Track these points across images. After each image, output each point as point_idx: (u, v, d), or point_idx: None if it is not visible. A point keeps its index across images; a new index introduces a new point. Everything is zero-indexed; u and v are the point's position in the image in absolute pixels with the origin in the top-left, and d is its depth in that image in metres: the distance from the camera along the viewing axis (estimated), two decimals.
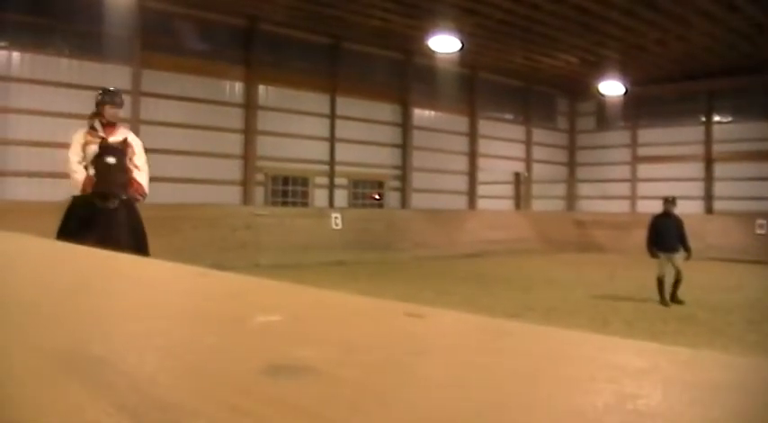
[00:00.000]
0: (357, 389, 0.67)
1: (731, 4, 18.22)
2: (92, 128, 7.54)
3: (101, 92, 7.74)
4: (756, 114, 26.67)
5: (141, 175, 7.58)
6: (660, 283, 12.71)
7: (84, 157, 7.35)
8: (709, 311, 11.81)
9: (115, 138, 7.48)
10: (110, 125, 7.60)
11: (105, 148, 7.27)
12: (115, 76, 17.89)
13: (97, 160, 7.22)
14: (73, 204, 7.38)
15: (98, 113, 7.59)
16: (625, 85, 25.86)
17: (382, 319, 1.05)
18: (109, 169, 7.20)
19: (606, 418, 0.55)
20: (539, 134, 29.80)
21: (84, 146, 7.40)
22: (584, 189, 31.02)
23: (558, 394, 0.63)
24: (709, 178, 27.57)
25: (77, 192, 7.31)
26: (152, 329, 0.96)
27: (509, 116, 29.06)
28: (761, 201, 25.95)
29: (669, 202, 13.51)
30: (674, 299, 12.63)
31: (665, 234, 12.96)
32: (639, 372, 0.70)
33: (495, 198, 28.83)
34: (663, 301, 12.53)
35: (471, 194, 27.11)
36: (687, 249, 12.94)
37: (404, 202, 24.84)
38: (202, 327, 1.01)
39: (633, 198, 29.29)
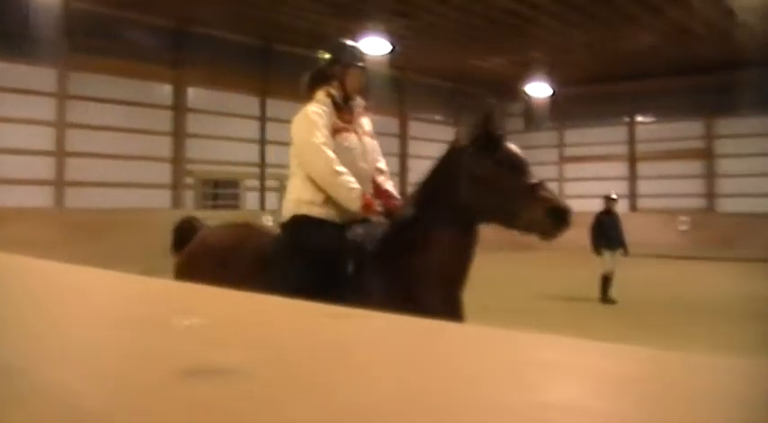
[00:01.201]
0: (277, 390, 0.67)
1: (655, 7, 18.69)
2: (335, 104, 4.66)
3: (336, 46, 5.01)
4: (678, 114, 27.49)
5: (388, 181, 5.14)
6: (606, 279, 12.87)
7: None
8: (635, 307, 12.12)
9: (359, 125, 4.83)
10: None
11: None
12: (41, 78, 17.51)
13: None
14: (304, 235, 4.45)
15: (338, 83, 4.76)
16: (552, 87, 26.31)
17: (305, 321, 1.06)
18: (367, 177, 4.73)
19: (519, 413, 0.57)
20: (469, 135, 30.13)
21: (334, 134, 4.53)
22: None
23: (482, 392, 0.64)
24: (633, 177, 28.27)
25: (326, 211, 4.42)
26: (70, 337, 0.94)
27: (439, 117, 29.32)
28: (683, 198, 26.72)
29: (611, 199, 13.77)
30: (606, 297, 12.82)
31: (610, 231, 13.14)
32: (558, 366, 0.72)
33: None
34: (605, 299, 12.72)
35: (403, 196, 27.22)
36: (625, 246, 13.21)
37: None
38: (121, 332, 0.99)
39: (560, 197, 29.78)
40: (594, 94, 28.94)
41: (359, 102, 4.91)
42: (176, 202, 20.45)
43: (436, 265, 4.14)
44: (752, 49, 21.48)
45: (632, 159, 28.31)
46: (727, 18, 19.10)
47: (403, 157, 27.16)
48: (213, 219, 19.62)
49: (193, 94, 21.08)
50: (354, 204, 4.30)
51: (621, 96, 28.49)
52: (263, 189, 22.68)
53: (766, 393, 0.65)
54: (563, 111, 29.77)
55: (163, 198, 20.33)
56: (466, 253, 4.29)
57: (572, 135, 29.87)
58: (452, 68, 26.13)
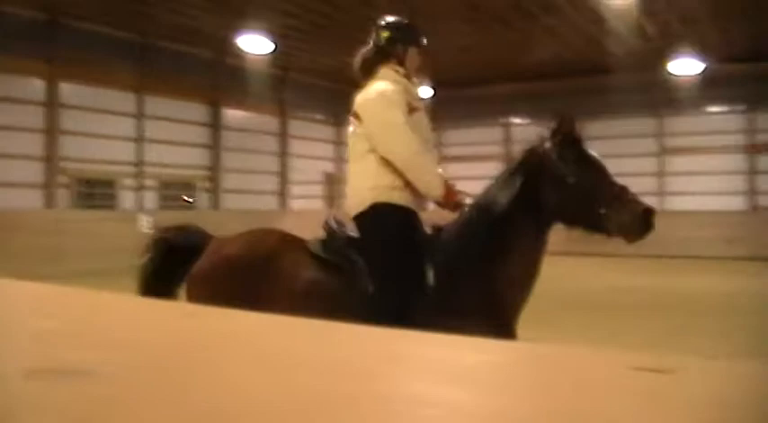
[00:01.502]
0: (131, 389, 0.67)
1: (530, 13, 19.33)
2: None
3: (395, 24, 4.80)
4: (549, 116, 28.36)
5: None
6: None
7: None
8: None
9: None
10: None
11: None
12: None
13: None
14: (392, 224, 4.04)
15: (398, 62, 4.57)
16: (431, 88, 26.77)
17: (164, 320, 1.06)
18: None
19: (369, 405, 0.63)
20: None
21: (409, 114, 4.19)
22: None
23: (336, 385, 0.69)
24: None
25: (405, 200, 4.07)
26: None
27: (320, 116, 29.36)
28: None
29: None
30: None
31: None
32: (408, 358, 0.80)
33: (307, 198, 29.07)
34: None
35: (283, 195, 27.14)
36: None
37: (215, 204, 24.52)
38: None
39: None
40: (472, 96, 29.65)
41: (416, 81, 4.73)
42: (49, 203, 19.73)
43: (518, 265, 4.03)
44: (620, 54, 22.56)
45: (508, 159, 29.13)
46: (597, 25, 19.94)
47: (283, 155, 27.06)
48: (88, 219, 19.08)
49: (67, 90, 20.33)
50: (436, 191, 4.09)
51: (498, 98, 29.31)
52: (140, 189, 22.12)
53: (605, 379, 0.75)
54: (441, 111, 30.34)
55: (34, 198, 19.56)
56: (541, 255, 4.18)
57: (450, 135, 30.49)
58: (333, 68, 26.16)
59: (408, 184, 4.01)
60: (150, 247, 4.80)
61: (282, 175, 27.11)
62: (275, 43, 20.54)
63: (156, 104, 22.24)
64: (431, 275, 3.86)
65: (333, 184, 29.97)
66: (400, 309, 3.65)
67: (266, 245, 4.38)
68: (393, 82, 4.31)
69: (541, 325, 10.00)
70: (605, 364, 0.75)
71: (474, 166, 29.53)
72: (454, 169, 29.94)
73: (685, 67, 22.64)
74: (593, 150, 4.21)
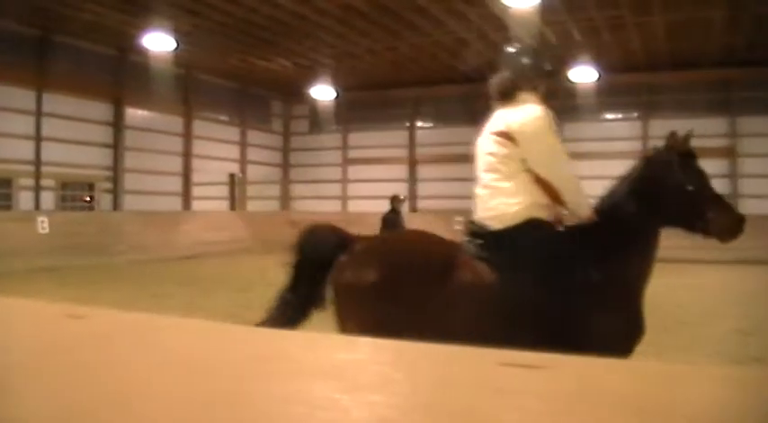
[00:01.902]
0: (4, 390, 0.68)
1: (436, 18, 19.61)
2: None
3: (526, 51, 4.88)
4: (454, 120, 28.95)
5: None
6: None
7: None
8: None
9: None
10: None
11: None
12: None
13: None
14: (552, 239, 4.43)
15: (533, 87, 4.73)
16: (337, 90, 26.82)
17: (43, 322, 1.09)
18: None
19: (255, 405, 0.66)
20: (254, 136, 30.04)
21: None
22: (297, 190, 31.75)
23: (217, 385, 0.72)
24: (413, 179, 29.43)
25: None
26: None
27: (224, 117, 29.04)
28: (460, 199, 28.17)
29: (399, 200, 14.00)
30: None
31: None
32: (303, 360, 0.85)
33: (211, 199, 28.73)
34: None
35: (186, 196, 26.74)
36: None
37: (116, 204, 23.97)
38: None
39: (344, 198, 30.50)
40: (377, 99, 29.83)
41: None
42: None
43: (643, 265, 4.42)
44: None
45: (412, 162, 29.48)
46: (500, 32, 20.36)
47: (187, 156, 26.63)
48: None
49: None
50: (585, 212, 4.51)
51: (403, 101, 29.58)
52: (37, 188, 21.41)
53: (474, 375, 0.81)
54: (347, 114, 30.46)
55: None
56: (655, 255, 4.55)
57: (355, 138, 30.61)
58: (239, 68, 25.97)
59: (554, 202, 4.42)
60: (295, 249, 4.95)
61: (186, 176, 26.70)
62: (180, 41, 20.16)
63: (56, 102, 21.58)
64: (580, 278, 4.16)
65: (237, 186, 29.72)
66: (561, 310, 4.01)
67: (434, 250, 4.44)
68: (540, 107, 4.50)
69: None
70: (474, 360, 0.85)
71: (378, 168, 29.80)
72: (358, 171, 30.15)
73: (583, 75, 23.31)
74: None
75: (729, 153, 25.16)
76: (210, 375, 0.76)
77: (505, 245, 4.22)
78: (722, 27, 20.13)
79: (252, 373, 0.78)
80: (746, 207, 24.63)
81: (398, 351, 0.86)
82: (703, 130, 25.31)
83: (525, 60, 4.72)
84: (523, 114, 4.47)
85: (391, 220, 13.38)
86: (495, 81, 4.85)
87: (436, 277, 4.15)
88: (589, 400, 0.76)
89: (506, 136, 4.47)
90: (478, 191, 4.58)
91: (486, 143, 4.68)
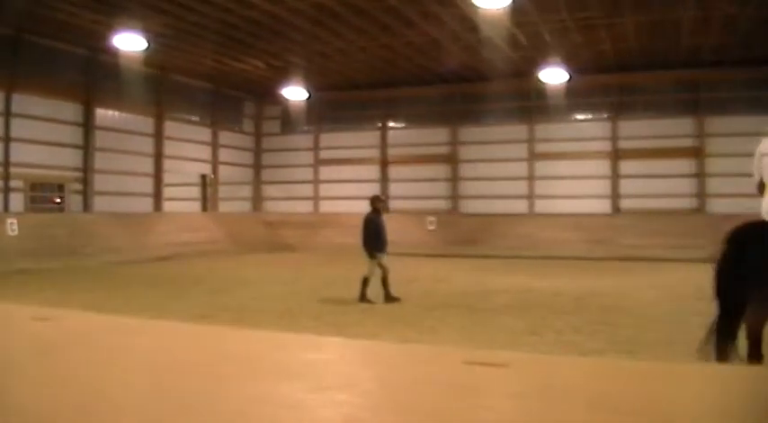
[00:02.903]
0: None
1: (409, 19, 19.65)
2: None
3: None
4: (427, 121, 29.10)
5: None
6: (366, 281, 12.79)
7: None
8: (387, 302, 12.74)
9: None
10: None
11: None
12: None
13: None
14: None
15: None
16: (309, 91, 26.80)
17: (8, 325, 1.11)
18: None
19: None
20: (225, 136, 29.94)
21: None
22: (269, 190, 31.69)
23: (184, 384, 0.73)
24: (385, 179, 29.48)
25: None
26: None
27: (196, 118, 28.89)
28: (431, 200, 28.33)
29: (382, 200, 13.88)
30: (390, 297, 12.73)
31: (381, 233, 13.03)
32: (261, 359, 0.86)
33: (183, 200, 28.63)
34: (365, 299, 12.68)
35: (157, 197, 26.58)
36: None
37: (87, 206, 23.74)
38: None
39: (316, 199, 30.50)
40: (349, 100, 29.88)
41: None
42: None
43: None
44: (494, 62, 23.24)
45: (384, 163, 29.53)
46: (472, 33, 20.47)
47: (158, 157, 26.46)
48: None
49: None
50: None
51: (375, 102, 29.65)
52: (6, 189, 21.08)
53: (439, 374, 0.83)
54: (319, 114, 30.46)
55: None
56: None
57: (327, 138, 30.62)
58: (212, 69, 25.87)
59: None
60: (726, 244, 5.16)
61: (157, 177, 26.52)
62: (152, 42, 20.00)
63: (26, 102, 21.32)
64: None
65: (209, 187, 29.61)
66: None
67: None
68: None
69: (413, 326, 10.29)
70: (440, 359, 0.88)
71: (350, 169, 29.86)
72: (330, 172, 30.19)
73: (554, 76, 23.49)
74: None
75: (697, 153, 25.46)
76: (180, 376, 0.78)
77: None
78: (691, 29, 20.38)
79: (223, 374, 0.81)
80: (713, 206, 25.02)
81: (366, 350, 0.90)
82: (672, 131, 25.76)
83: None
84: None
85: (374, 220, 13.14)
86: None
87: None
88: (551, 396, 0.79)
89: None
90: None
91: None
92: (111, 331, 0.86)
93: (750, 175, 6.11)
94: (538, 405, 0.67)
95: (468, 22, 19.09)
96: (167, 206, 26.86)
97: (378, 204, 13.48)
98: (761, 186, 5.91)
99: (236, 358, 0.76)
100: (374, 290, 12.82)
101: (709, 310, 11.59)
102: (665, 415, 0.74)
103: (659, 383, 0.81)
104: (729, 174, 24.85)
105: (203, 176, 29.40)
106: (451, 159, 28.60)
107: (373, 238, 12.98)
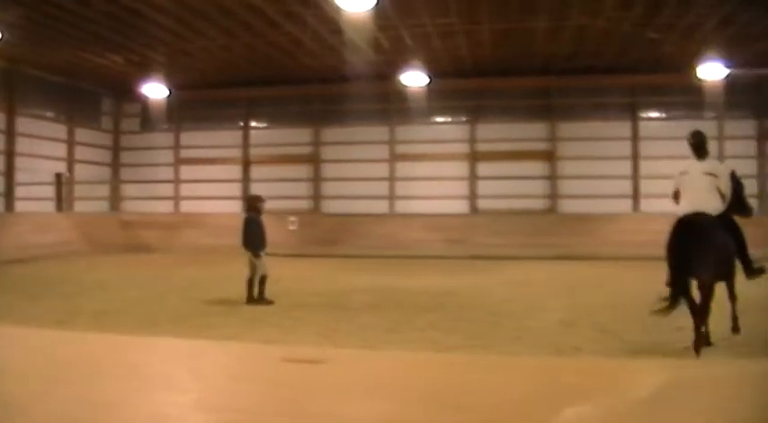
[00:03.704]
0: None
1: (272, 19, 19.62)
2: None
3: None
4: (289, 121, 29.15)
5: None
6: (252, 283, 12.85)
7: None
8: (250, 303, 12.78)
9: None
10: None
11: None
12: None
13: None
14: None
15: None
16: (170, 88, 26.25)
17: None
18: None
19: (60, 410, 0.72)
20: (82, 134, 28.93)
21: None
22: (128, 190, 30.86)
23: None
24: (247, 179, 29.30)
25: None
26: None
27: (51, 114, 27.81)
28: (293, 200, 28.37)
29: (262, 200, 13.84)
30: (263, 298, 12.84)
31: (261, 233, 13.12)
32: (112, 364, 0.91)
33: (36, 200, 27.56)
34: (253, 299, 12.73)
35: (9, 196, 25.44)
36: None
37: None
38: None
39: (177, 198, 29.95)
40: (211, 98, 29.51)
41: None
42: None
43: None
44: (356, 64, 23.51)
45: (246, 162, 29.34)
46: (335, 35, 20.66)
47: (10, 155, 25.29)
48: None
49: None
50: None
51: (237, 101, 29.40)
52: None
53: (259, 371, 0.90)
54: (180, 113, 29.93)
55: None
56: None
57: (188, 137, 30.12)
58: (68, 63, 24.94)
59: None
60: (672, 230, 8.70)
61: (9, 176, 25.36)
62: (4, 33, 19.08)
63: None
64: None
65: (64, 186, 28.59)
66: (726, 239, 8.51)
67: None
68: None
69: (275, 326, 10.38)
70: (260, 357, 0.99)
71: (211, 168, 29.57)
72: (191, 171, 29.76)
73: (415, 79, 23.94)
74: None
75: (550, 156, 26.62)
76: (12, 380, 0.84)
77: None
78: (544, 37, 21.32)
79: (55, 376, 0.87)
80: (564, 207, 26.28)
81: (189, 350, 0.99)
82: (526, 134, 26.87)
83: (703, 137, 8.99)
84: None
85: (256, 220, 13.17)
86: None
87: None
88: (366, 391, 0.90)
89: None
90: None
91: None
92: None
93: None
94: (351, 399, 0.76)
95: (332, 23, 19.25)
96: (20, 206, 25.72)
97: (258, 204, 13.55)
98: (676, 195, 8.96)
99: (64, 361, 0.82)
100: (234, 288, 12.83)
101: (556, 305, 12.21)
102: (467, 404, 0.84)
103: (470, 374, 0.94)
104: (579, 176, 26.21)
105: (58, 175, 28.33)
106: (314, 160, 28.75)
107: (257, 237, 13.06)
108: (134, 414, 0.69)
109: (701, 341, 8.05)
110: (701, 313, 8.09)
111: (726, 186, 8.71)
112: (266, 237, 13.25)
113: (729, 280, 8.74)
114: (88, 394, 0.70)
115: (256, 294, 12.87)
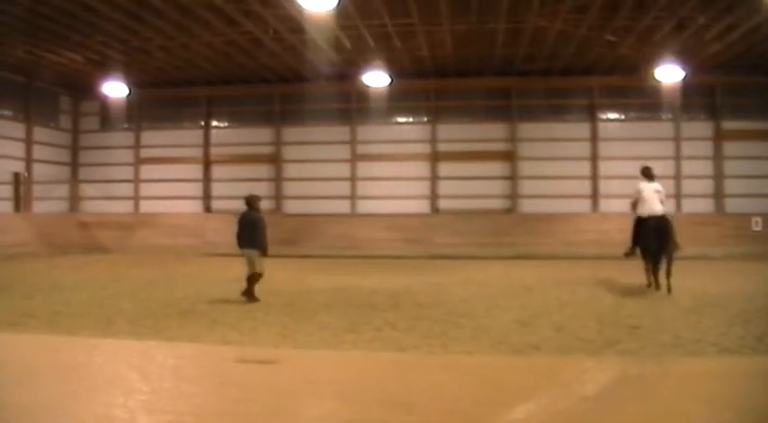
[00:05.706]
0: None
1: (230, 18, 19.54)
2: None
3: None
4: (250, 121, 29.08)
5: None
6: (258, 277, 13.15)
7: None
8: (208, 304, 12.76)
9: None
10: None
11: None
12: None
13: None
14: None
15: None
16: (129, 87, 25.99)
17: None
18: None
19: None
20: (40, 133, 28.55)
21: None
22: (87, 190, 30.53)
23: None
24: (207, 179, 29.17)
25: None
26: None
27: (8, 113, 27.40)
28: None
29: (258, 198, 13.93)
30: (251, 295, 13.03)
31: (264, 232, 13.34)
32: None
33: None
34: (252, 299, 12.92)
35: None
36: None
37: None
38: None
39: (136, 199, 29.70)
40: (171, 97, 29.33)
41: None
42: None
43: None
44: (318, 64, 23.54)
45: (207, 162, 29.18)
46: (296, 34, 20.65)
47: None
48: None
49: None
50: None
51: (197, 100, 29.23)
52: None
53: (210, 372, 0.97)
54: (139, 112, 29.69)
55: None
56: None
57: (148, 136, 29.87)
58: (24, 61, 24.59)
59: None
60: (636, 224, 14.50)
61: None
62: None
63: None
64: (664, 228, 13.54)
65: (22, 185, 28.18)
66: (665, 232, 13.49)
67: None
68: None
69: (234, 327, 10.37)
70: (213, 357, 1.05)
71: (172, 168, 29.39)
72: (151, 171, 29.54)
73: (376, 79, 23.97)
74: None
75: (509, 156, 26.90)
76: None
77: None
78: (503, 39, 21.54)
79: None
80: (524, 207, 26.56)
81: (139, 351, 1.05)
82: (487, 135, 27.10)
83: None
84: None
85: (261, 219, 13.32)
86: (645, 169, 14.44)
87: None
88: (312, 390, 0.96)
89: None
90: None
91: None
92: None
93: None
94: (300, 399, 0.81)
95: (293, 22, 19.25)
96: None
97: (257, 203, 13.77)
98: (634, 205, 14.15)
99: (3, 363, 0.85)
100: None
101: (514, 304, 12.36)
102: (419, 403, 0.88)
103: (424, 374, 0.99)
104: (538, 176, 26.50)
105: (16, 175, 27.91)
106: (275, 159, 28.69)
107: (261, 235, 13.36)
108: (73, 418, 0.72)
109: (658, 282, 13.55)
110: (661, 269, 13.44)
111: (664, 197, 14.26)
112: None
113: (670, 255, 13.30)
114: (19, 399, 0.73)
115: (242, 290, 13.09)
